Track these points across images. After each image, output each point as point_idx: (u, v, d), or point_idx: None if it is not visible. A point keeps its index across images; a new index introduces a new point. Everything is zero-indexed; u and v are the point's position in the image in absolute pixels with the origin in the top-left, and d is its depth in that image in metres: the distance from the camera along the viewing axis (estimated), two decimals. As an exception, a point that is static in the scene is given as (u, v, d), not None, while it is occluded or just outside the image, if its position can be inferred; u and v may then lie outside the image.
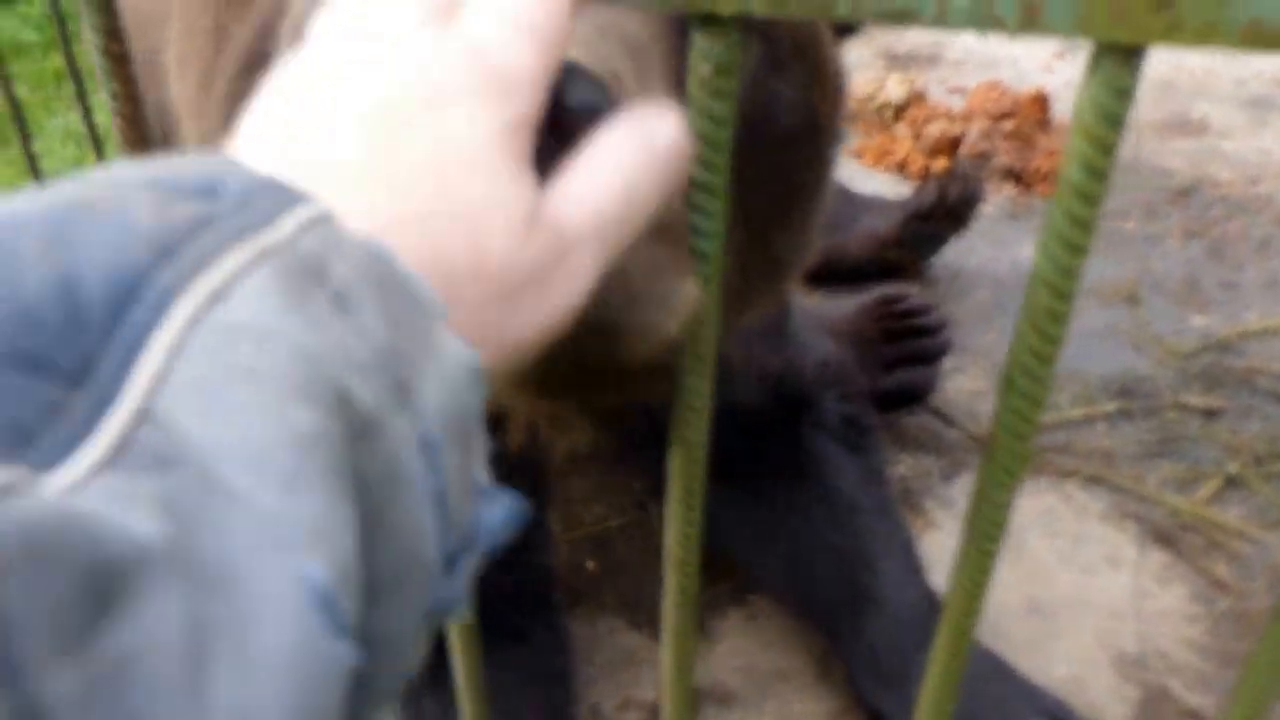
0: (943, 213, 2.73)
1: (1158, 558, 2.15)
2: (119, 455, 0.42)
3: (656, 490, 2.27)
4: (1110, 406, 2.48)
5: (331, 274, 0.50)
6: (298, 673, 0.42)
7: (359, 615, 0.47)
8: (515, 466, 1.77)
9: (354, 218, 0.54)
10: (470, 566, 0.57)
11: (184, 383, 0.45)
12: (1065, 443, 2.41)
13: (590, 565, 2.22)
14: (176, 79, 1.76)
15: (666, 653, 0.88)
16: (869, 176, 3.31)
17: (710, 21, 0.57)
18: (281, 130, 0.62)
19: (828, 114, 1.24)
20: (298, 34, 1.17)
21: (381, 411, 0.50)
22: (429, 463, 0.52)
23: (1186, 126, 3.47)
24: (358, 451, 0.48)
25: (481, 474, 0.58)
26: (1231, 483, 2.27)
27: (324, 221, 0.53)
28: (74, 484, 0.41)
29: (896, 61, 3.91)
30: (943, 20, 0.50)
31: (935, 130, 3.34)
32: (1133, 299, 2.78)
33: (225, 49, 1.44)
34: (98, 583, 0.38)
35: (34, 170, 2.76)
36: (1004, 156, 3.23)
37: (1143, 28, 0.48)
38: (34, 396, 0.42)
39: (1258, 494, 2.25)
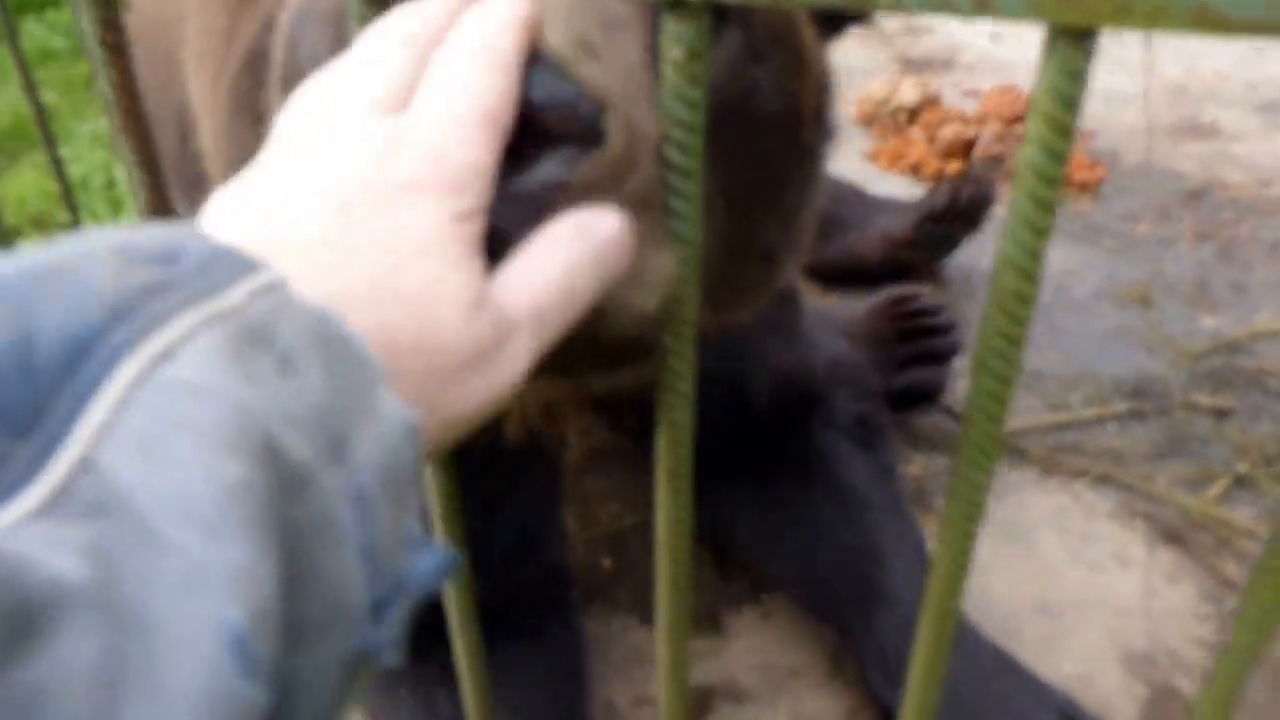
0: (955, 214, 2.74)
1: (1167, 556, 2.16)
2: (57, 502, 0.46)
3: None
4: (1121, 407, 2.49)
5: (278, 337, 0.53)
6: (208, 711, 0.45)
7: (278, 658, 0.49)
8: (528, 464, 1.80)
9: (310, 291, 0.58)
10: (400, 614, 0.59)
11: (126, 435, 0.47)
12: (1076, 442, 2.43)
13: (606, 563, 2.24)
14: (193, 76, 1.78)
15: (661, 641, 0.89)
16: (883, 178, 3.33)
17: (679, 6, 0.59)
18: (250, 211, 0.66)
19: (811, 105, 1.25)
20: (290, 31, 1.20)
21: (315, 465, 0.52)
22: (360, 515, 0.55)
23: (1198, 130, 3.48)
24: (288, 503, 0.51)
25: (414, 526, 0.60)
26: (1241, 482, 2.28)
27: (275, 288, 0.56)
28: (9, 527, 0.44)
29: (911, 65, 3.92)
30: (899, 4, 0.52)
31: (949, 133, 3.35)
32: (1145, 300, 2.79)
33: (235, 47, 1.46)
34: (15, 618, 0.41)
35: (60, 175, 2.80)
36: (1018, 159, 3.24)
37: (1093, 11, 0.49)
38: None
39: (1267, 494, 2.25)
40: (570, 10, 0.82)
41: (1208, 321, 2.71)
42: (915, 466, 2.40)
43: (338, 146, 0.66)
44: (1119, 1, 0.48)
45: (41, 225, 3.52)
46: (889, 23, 4.20)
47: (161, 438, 0.47)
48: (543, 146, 0.75)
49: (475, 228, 0.67)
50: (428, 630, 1.58)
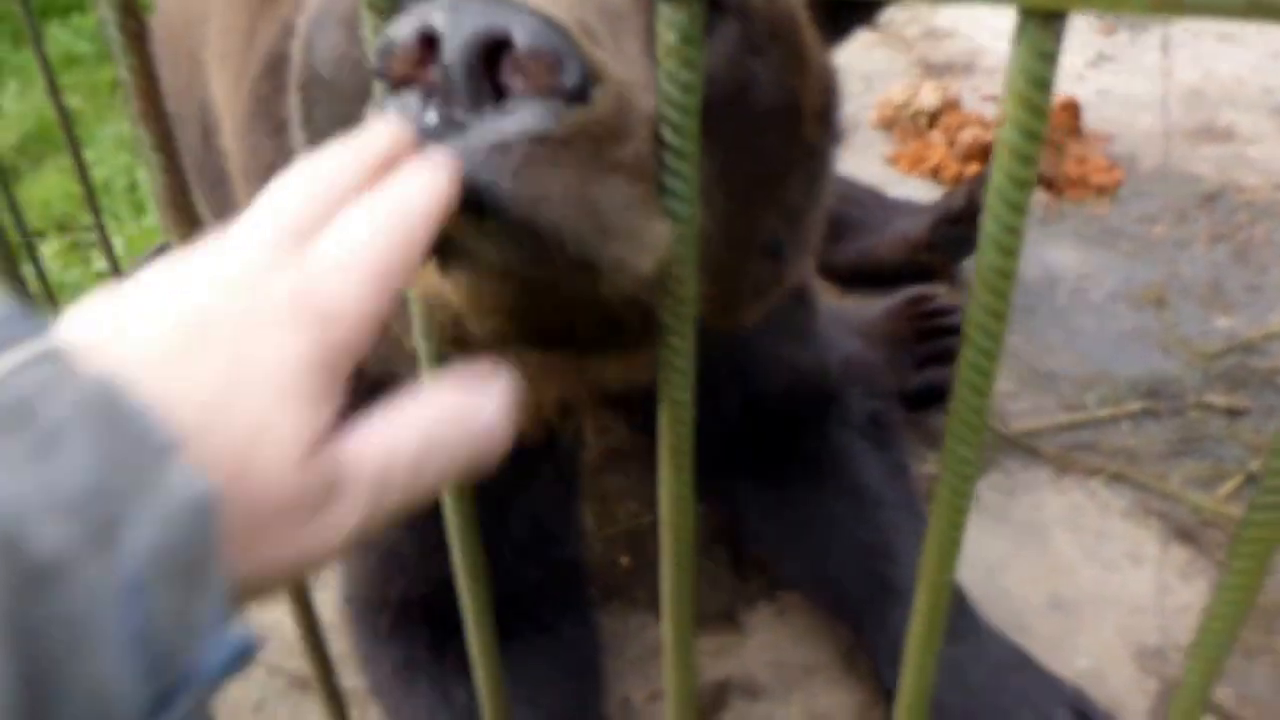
0: (972, 216, 2.76)
1: (1180, 553, 2.17)
2: None
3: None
4: (1136, 406, 2.51)
5: (43, 413, 0.51)
6: None
7: None
8: (545, 461, 1.83)
9: (146, 393, 0.55)
10: (188, 705, 0.54)
11: None
12: (1091, 441, 2.44)
13: (624, 561, 2.27)
14: (216, 76, 1.82)
15: (666, 619, 0.92)
16: (903, 182, 3.35)
17: (671, -10, 0.61)
18: (114, 305, 0.62)
19: (813, 103, 1.28)
20: (307, 34, 1.23)
21: (72, 555, 0.49)
22: (132, 604, 0.51)
23: (1214, 133, 3.49)
24: (31, 601, 0.47)
25: (208, 611, 0.55)
26: (1253, 480, 2.29)
27: (53, 357, 0.53)
28: None
29: (932, 70, 3.94)
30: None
31: (968, 136, 3.37)
32: (1160, 301, 2.80)
33: (255, 48, 1.50)
34: None
35: (83, 178, 2.85)
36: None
37: (1061, -5, 0.52)
38: None
39: None
40: (572, 1, 0.85)
41: (1222, 322, 2.72)
42: (930, 465, 2.42)
43: (219, 263, 0.64)
44: (1084, -14, 0.50)
45: (64, 228, 3.58)
46: (909, 28, 4.22)
47: None
48: (526, 93, 0.77)
49: (332, 376, 0.64)
50: (445, 624, 1.62)
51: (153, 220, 3.40)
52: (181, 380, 0.58)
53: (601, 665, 1.96)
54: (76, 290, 3.14)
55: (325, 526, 0.63)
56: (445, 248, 0.81)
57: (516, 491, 1.79)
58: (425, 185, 0.69)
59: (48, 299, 2.73)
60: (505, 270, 0.85)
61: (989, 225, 0.62)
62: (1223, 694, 1.92)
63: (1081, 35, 4.08)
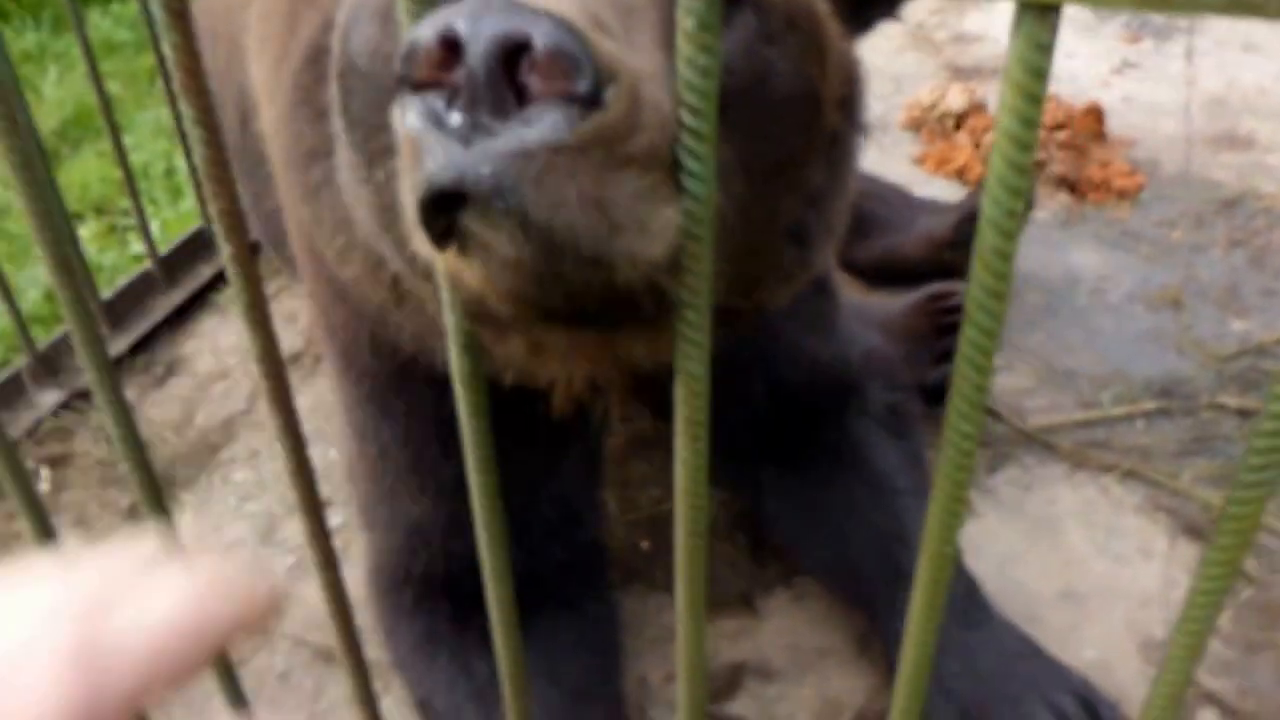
0: (994, 217, 2.79)
1: (1188, 549, 2.21)
2: None
3: (710, 478, 2.36)
4: (1150, 405, 2.55)
5: None
6: None
7: None
8: (569, 444, 1.88)
9: None
10: None
11: None
12: (1105, 439, 2.48)
13: (645, 545, 2.32)
14: (255, 61, 1.87)
15: (680, 583, 0.97)
16: (929, 182, 3.39)
17: (689, -24, 0.66)
18: None
19: (834, 92, 1.33)
20: (344, 25, 1.29)
21: None
22: None
23: (1235, 141, 3.52)
24: None
25: None
26: (1264, 480, 2.32)
27: None
28: None
29: (961, 73, 3.97)
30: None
31: (993, 139, 3.40)
32: (1177, 304, 2.84)
33: (297, 33, 1.55)
34: None
35: (123, 162, 2.93)
36: (1058, 165, 3.29)
37: (1055, -11, 0.56)
38: None
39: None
40: None
41: (1237, 325, 2.76)
42: (947, 459, 2.46)
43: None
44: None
45: (102, 211, 3.64)
46: (939, 32, 4.25)
47: None
48: (543, 100, 0.81)
49: None
50: (467, 598, 1.67)
51: (189, 205, 3.46)
52: None
53: (620, 643, 2.01)
54: (114, 272, 3.20)
55: None
56: (464, 238, 0.87)
57: (546, 472, 1.84)
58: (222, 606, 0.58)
59: (86, 280, 2.79)
60: (519, 260, 0.89)
61: (988, 209, 0.67)
62: (1224, 687, 1.97)
63: (1107, 43, 4.11)
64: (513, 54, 0.79)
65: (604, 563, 2.05)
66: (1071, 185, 3.29)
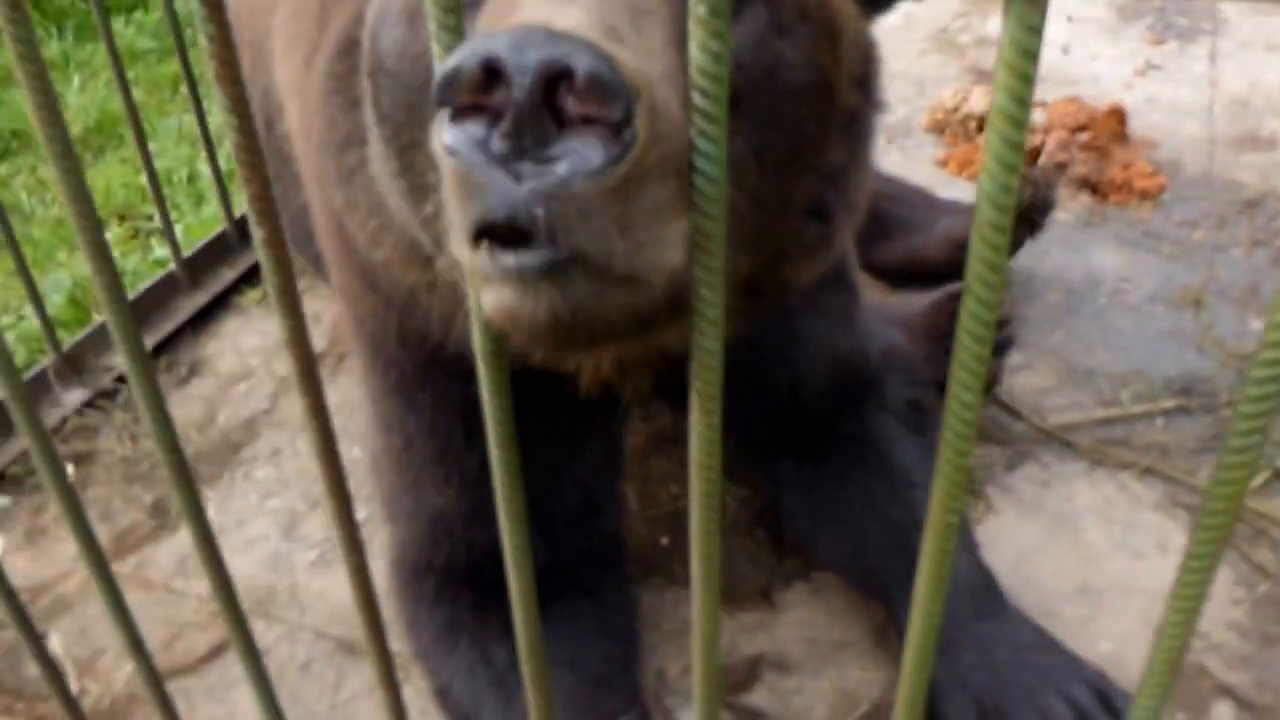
0: (1016, 215, 2.79)
1: (1208, 546, 2.20)
2: None
3: (730, 472, 2.38)
4: (1170, 403, 2.55)
5: None
6: None
7: None
8: (592, 436, 1.90)
9: None
10: None
11: None
12: (1124, 437, 2.49)
13: (664, 541, 2.34)
14: (282, 61, 1.90)
15: (695, 559, 0.99)
16: (952, 184, 3.39)
17: (704, -32, 0.68)
18: None
19: (849, 72, 1.36)
20: (372, 25, 1.33)
21: None
22: None
23: (1258, 142, 3.51)
24: None
25: None
26: (1280, 476, 2.33)
27: None
28: None
29: (984, 77, 3.98)
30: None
31: (1014, 140, 3.40)
32: (1198, 303, 2.84)
33: (329, 26, 1.58)
34: None
35: (149, 168, 2.98)
36: (1080, 166, 3.30)
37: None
38: None
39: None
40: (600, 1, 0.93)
41: (1257, 325, 2.75)
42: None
43: None
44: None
45: (125, 217, 3.68)
46: (962, 35, 4.26)
47: None
48: (580, 127, 0.85)
49: None
50: (488, 588, 1.69)
51: (211, 210, 3.49)
52: None
53: (638, 633, 2.03)
54: (136, 277, 3.24)
55: None
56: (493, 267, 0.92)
57: (567, 462, 1.86)
58: None
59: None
60: (550, 295, 0.95)
61: (985, 184, 0.68)
62: (1241, 680, 1.97)
63: (1131, 45, 4.11)
64: (553, 81, 0.83)
65: (623, 554, 2.07)
66: (1093, 186, 3.29)
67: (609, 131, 0.86)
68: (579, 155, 0.85)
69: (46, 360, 2.79)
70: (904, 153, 3.60)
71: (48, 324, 2.75)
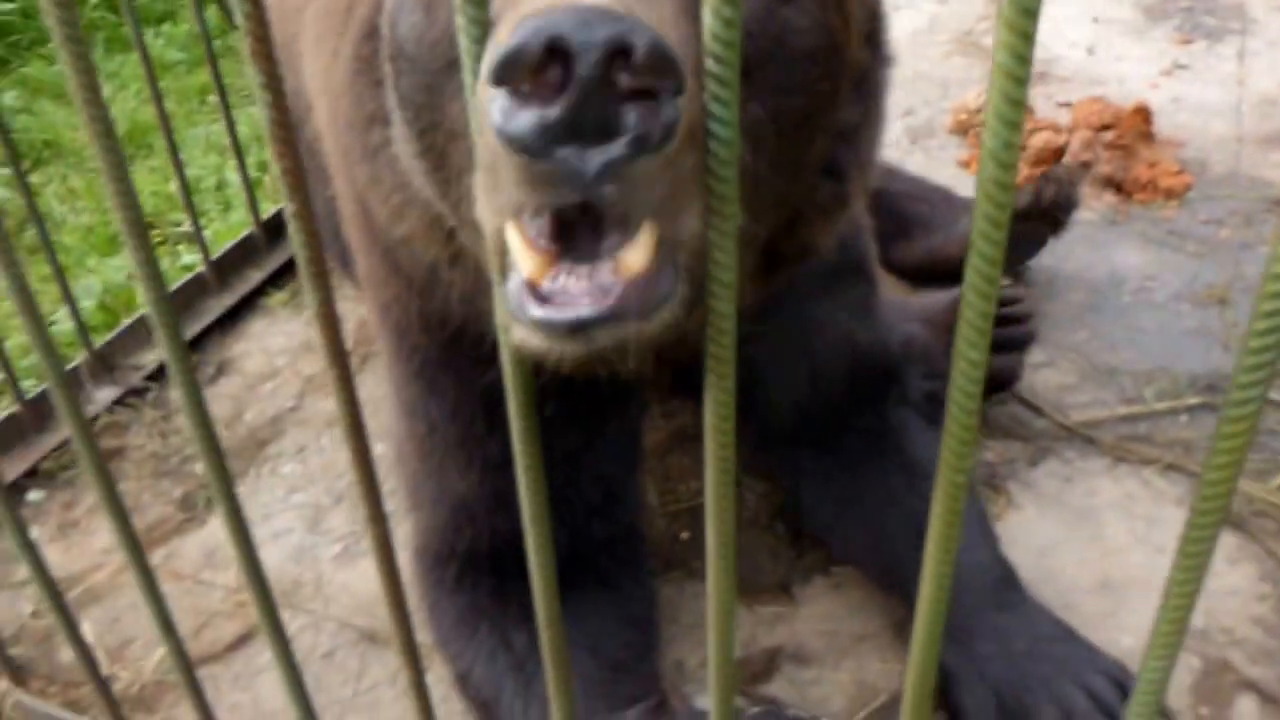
0: (1039, 214, 2.80)
1: (1229, 540, 2.21)
2: None
3: (751, 469, 2.38)
4: (1194, 400, 2.54)
5: None
6: None
7: None
8: (611, 426, 1.92)
9: None
10: None
11: None
12: (1147, 434, 2.48)
13: (684, 535, 2.35)
14: (311, 59, 1.93)
15: (710, 525, 1.00)
16: (974, 184, 3.38)
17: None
18: None
19: (857, 30, 1.38)
20: (390, 11, 1.36)
21: None
22: None
23: (1286, 140, 3.50)
24: None
25: None
26: (1306, 472, 2.33)
27: None
28: None
29: (1006, 78, 3.97)
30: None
31: (1039, 141, 3.41)
32: (1223, 301, 2.83)
33: (354, 12, 1.62)
34: None
35: (180, 175, 3.03)
36: (1105, 166, 3.29)
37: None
38: None
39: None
40: None
41: (1284, 320, 2.73)
42: (991, 453, 2.47)
43: None
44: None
45: (154, 225, 3.73)
46: (986, 37, 4.25)
47: None
48: (635, 102, 0.87)
49: None
50: (509, 574, 1.71)
51: (238, 217, 3.53)
52: None
53: (656, 623, 2.04)
54: (165, 281, 3.27)
55: None
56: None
57: (587, 451, 1.88)
58: None
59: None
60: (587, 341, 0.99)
61: (989, 141, 0.69)
62: (1264, 675, 1.96)
63: (1158, 45, 4.10)
64: (611, 58, 0.84)
65: (642, 544, 2.09)
66: (1118, 185, 3.28)
67: (659, 105, 0.87)
68: (639, 129, 0.87)
69: (79, 358, 2.83)
70: (927, 154, 3.60)
71: (81, 324, 2.80)
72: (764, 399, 2.01)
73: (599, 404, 1.82)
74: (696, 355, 0.90)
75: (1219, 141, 3.50)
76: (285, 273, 3.21)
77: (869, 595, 2.17)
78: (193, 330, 3.01)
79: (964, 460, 0.86)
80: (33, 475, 2.61)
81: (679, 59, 0.86)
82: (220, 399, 2.82)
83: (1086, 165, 3.32)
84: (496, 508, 1.79)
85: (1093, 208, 3.21)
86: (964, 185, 3.34)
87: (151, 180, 3.93)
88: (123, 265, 3.38)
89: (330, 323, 1.08)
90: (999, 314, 2.56)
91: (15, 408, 2.64)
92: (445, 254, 1.51)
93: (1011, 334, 2.53)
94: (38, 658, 2.19)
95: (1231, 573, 2.14)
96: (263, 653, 2.11)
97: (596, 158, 0.88)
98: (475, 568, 1.90)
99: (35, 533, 2.42)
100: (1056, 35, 4.20)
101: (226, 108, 3.12)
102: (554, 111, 0.86)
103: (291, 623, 2.15)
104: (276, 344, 3.02)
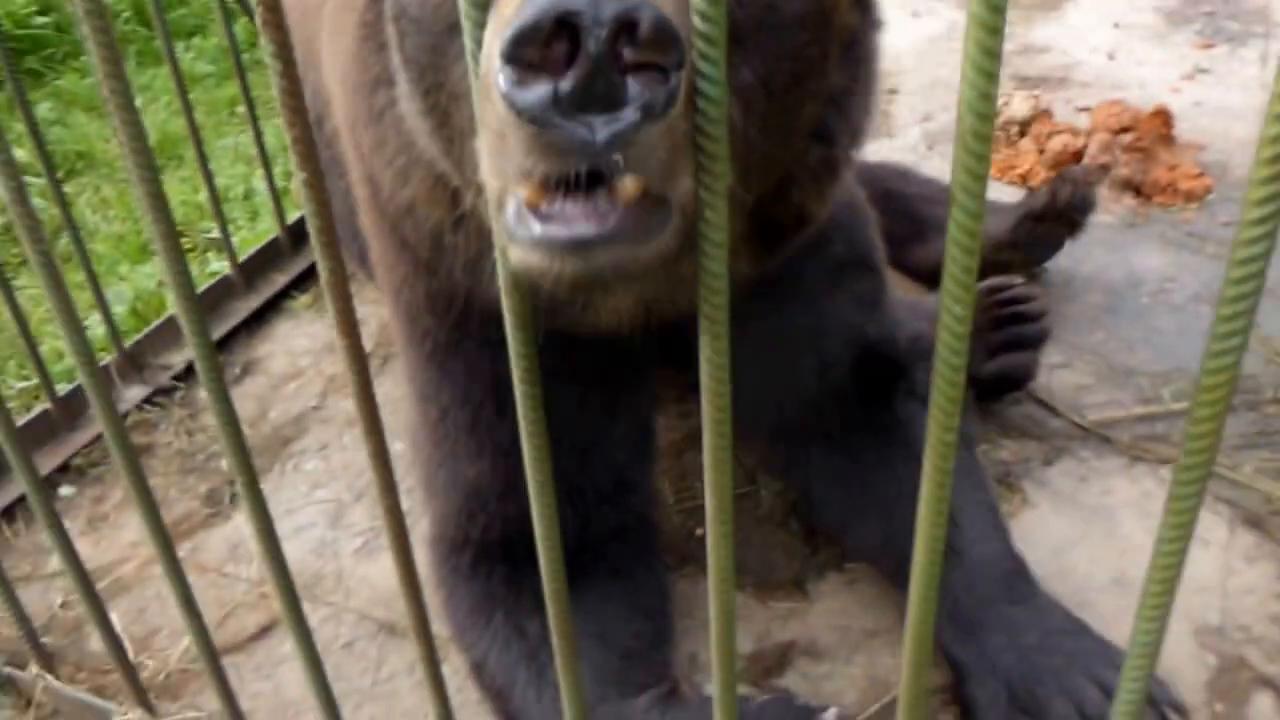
0: (1054, 214, 2.80)
1: (1246, 538, 2.21)
2: None
3: (765, 467, 2.40)
4: (1211, 400, 2.53)
5: None
6: None
7: None
8: (621, 413, 1.94)
9: None
10: None
11: None
12: (1165, 433, 2.48)
13: (699, 532, 2.37)
14: (328, 56, 1.97)
15: (709, 490, 1.02)
16: (992, 188, 3.39)
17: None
18: None
19: (840, 2, 1.41)
20: None
21: None
22: None
23: (1308, 141, 3.48)
24: None
25: None
26: (1324, 472, 2.32)
27: None
28: None
29: (1026, 83, 3.98)
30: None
31: (1058, 144, 3.41)
32: (1243, 302, 2.82)
33: None
34: None
35: (209, 184, 3.10)
36: (1123, 169, 3.29)
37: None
38: None
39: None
40: None
41: (1304, 322, 2.74)
42: (1006, 452, 2.48)
43: None
44: None
45: (184, 234, 3.80)
46: (1005, 43, 4.22)
47: None
48: (640, 72, 0.90)
49: None
50: (522, 562, 1.73)
51: (265, 225, 3.59)
52: None
53: (669, 614, 2.06)
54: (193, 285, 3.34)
55: None
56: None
57: (597, 439, 1.90)
58: None
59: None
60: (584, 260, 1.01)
61: (966, 92, 0.72)
62: (1279, 672, 1.96)
63: (1179, 50, 4.10)
64: (618, 34, 0.88)
65: (655, 535, 2.11)
66: (1137, 188, 3.28)
67: (662, 75, 0.90)
68: (644, 99, 0.90)
69: (109, 358, 2.90)
70: (945, 158, 3.62)
71: (112, 326, 2.87)
72: (772, 393, 2.03)
73: (608, 390, 1.85)
74: (694, 322, 0.93)
75: (1240, 144, 3.50)
76: (309, 277, 3.27)
77: (882, 591, 2.18)
78: (220, 332, 3.07)
79: (951, 418, 0.88)
80: (64, 471, 2.69)
81: (680, 34, 0.89)
82: (246, 398, 2.87)
83: (1105, 168, 3.32)
84: (508, 494, 1.81)
85: (1111, 211, 3.22)
86: (982, 190, 3.35)
87: (182, 190, 4.01)
88: (153, 273, 3.45)
89: (341, 292, 1.11)
90: (1012, 312, 2.59)
91: (48, 405, 2.71)
92: (449, 217, 1.55)
93: (1025, 332, 2.54)
94: (67, 646, 2.25)
95: (1249, 571, 2.14)
96: (284, 643, 2.15)
97: (605, 128, 0.91)
98: (489, 556, 1.92)
99: (66, 526, 2.47)
100: (1077, 41, 4.22)
101: (254, 119, 3.20)
102: (564, 84, 0.89)
103: (312, 614, 2.18)
104: (300, 345, 3.08)
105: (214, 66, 4.92)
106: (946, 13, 4.48)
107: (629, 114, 0.91)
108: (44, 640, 2.17)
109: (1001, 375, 2.52)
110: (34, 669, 2.09)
